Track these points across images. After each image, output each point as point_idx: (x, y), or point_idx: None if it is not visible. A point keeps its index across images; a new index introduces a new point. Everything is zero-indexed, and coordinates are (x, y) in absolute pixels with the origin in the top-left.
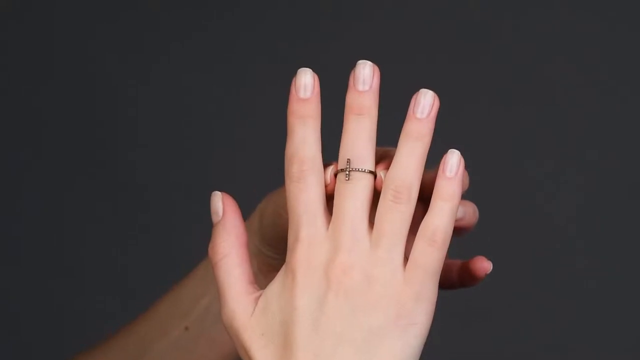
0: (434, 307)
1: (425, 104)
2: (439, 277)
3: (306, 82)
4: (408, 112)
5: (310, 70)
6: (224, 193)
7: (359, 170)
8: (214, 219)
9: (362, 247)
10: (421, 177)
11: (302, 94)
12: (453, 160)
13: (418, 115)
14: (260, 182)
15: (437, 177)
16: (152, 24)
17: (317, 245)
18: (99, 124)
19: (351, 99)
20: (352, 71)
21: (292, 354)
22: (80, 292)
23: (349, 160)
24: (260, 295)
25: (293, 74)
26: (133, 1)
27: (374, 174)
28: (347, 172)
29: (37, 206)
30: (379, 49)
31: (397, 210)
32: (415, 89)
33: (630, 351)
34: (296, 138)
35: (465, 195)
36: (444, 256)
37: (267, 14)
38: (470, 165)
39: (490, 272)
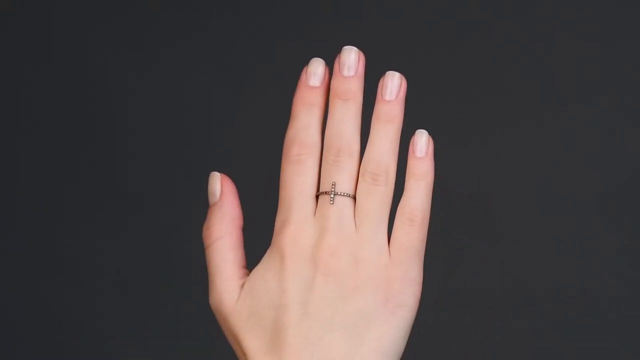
0: (420, 289)
1: (392, 86)
2: (423, 258)
3: (318, 71)
4: (377, 96)
5: (323, 61)
6: (222, 174)
7: (342, 194)
8: (211, 199)
9: (348, 229)
10: (396, 157)
11: (311, 82)
12: (422, 141)
13: (387, 98)
14: (258, 182)
15: (409, 159)
16: (151, 23)
17: (305, 229)
18: (97, 124)
19: (337, 84)
20: (337, 57)
21: (282, 337)
22: (76, 291)
23: (334, 184)
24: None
25: (292, 74)
26: (132, 1)
27: (355, 198)
28: (332, 197)
29: (34, 204)
30: (379, 48)
31: (376, 192)
32: (414, 89)
33: (631, 351)
34: (299, 123)
35: (467, 195)
36: (426, 235)
37: (266, 13)
38: (469, 163)
39: (492, 269)
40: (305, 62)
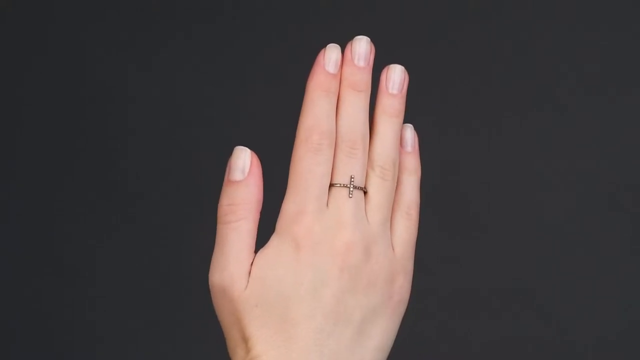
0: (411, 282)
1: (396, 79)
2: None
3: (337, 58)
4: (380, 87)
5: (339, 47)
6: (252, 151)
7: (358, 188)
8: (235, 175)
9: (363, 224)
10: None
11: (328, 68)
12: (408, 135)
13: (392, 91)
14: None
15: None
16: (150, 22)
17: (321, 220)
18: (95, 123)
19: (350, 74)
20: (349, 45)
21: (292, 330)
22: (74, 292)
23: (353, 178)
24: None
25: (290, 74)
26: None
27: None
28: (351, 190)
29: (32, 204)
30: (379, 47)
31: (386, 186)
32: (415, 89)
33: (628, 349)
34: (319, 110)
35: (468, 194)
36: (417, 228)
37: (264, 12)
38: (470, 163)
39: (490, 271)
40: (303, 59)
